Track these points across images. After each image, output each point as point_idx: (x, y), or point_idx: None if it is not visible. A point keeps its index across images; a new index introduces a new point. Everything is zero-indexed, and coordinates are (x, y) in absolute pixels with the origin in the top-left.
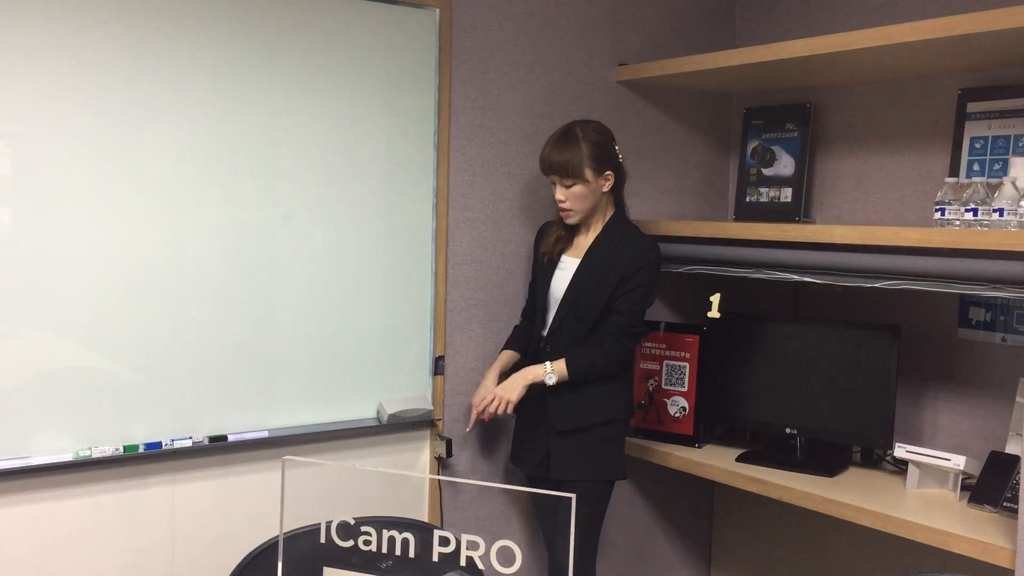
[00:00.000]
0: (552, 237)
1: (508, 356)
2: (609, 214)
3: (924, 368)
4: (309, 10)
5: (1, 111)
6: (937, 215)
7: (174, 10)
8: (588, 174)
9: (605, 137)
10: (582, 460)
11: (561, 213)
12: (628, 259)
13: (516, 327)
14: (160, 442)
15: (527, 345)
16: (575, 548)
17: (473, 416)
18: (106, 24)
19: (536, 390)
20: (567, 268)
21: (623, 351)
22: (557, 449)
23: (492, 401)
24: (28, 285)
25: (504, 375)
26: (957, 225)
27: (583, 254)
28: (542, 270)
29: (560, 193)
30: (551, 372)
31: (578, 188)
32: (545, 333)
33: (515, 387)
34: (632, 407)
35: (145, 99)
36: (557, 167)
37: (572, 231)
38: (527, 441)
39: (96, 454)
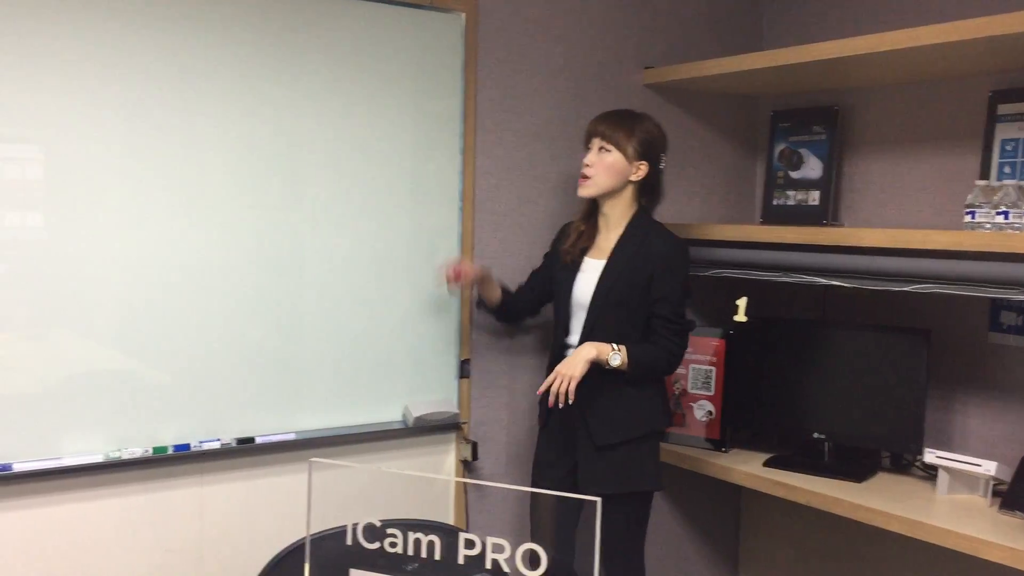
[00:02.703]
0: (573, 235)
1: (492, 275)
2: (631, 212)
3: (955, 372)
4: (336, 15)
5: (33, 117)
6: (967, 218)
7: (203, 16)
8: (629, 150)
9: (660, 135)
10: (618, 473)
11: (580, 180)
12: (657, 257)
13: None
14: (189, 444)
15: (512, 299)
16: (624, 564)
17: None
18: (136, 30)
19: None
20: (590, 271)
21: (679, 351)
22: (590, 463)
23: (556, 381)
24: (59, 288)
25: (483, 286)
26: (988, 228)
27: (607, 255)
28: (562, 273)
29: (591, 157)
30: (616, 353)
31: (611, 158)
32: (575, 340)
33: (578, 364)
34: (669, 415)
35: (174, 104)
36: (603, 130)
37: (593, 232)
38: (551, 454)
39: (126, 455)
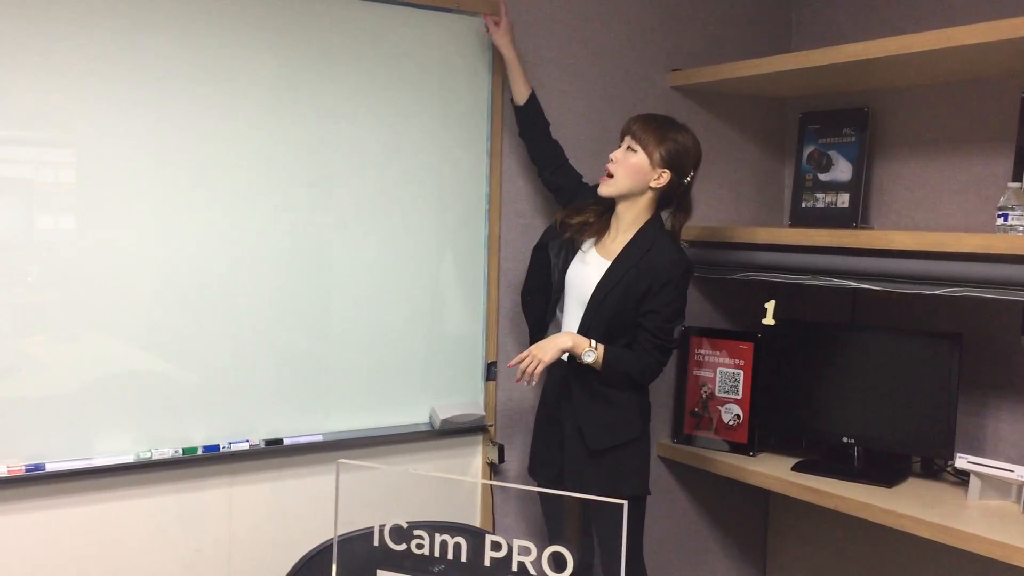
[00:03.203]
0: (579, 217)
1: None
2: (644, 219)
3: (986, 377)
4: (364, 18)
5: (66, 121)
6: (1000, 221)
7: (233, 21)
8: (655, 155)
9: (693, 149)
10: (606, 478)
11: (602, 178)
12: (658, 269)
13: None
14: (218, 444)
15: (541, 121)
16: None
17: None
18: (166, 34)
19: (557, 399)
20: (593, 264)
21: (657, 366)
22: (578, 467)
23: (526, 359)
24: (91, 290)
25: None
26: (1020, 231)
27: (613, 257)
28: (560, 251)
29: (618, 153)
30: (590, 351)
31: (636, 159)
32: (564, 327)
33: (550, 349)
34: (648, 421)
35: (205, 107)
36: (636, 129)
37: (603, 228)
38: (544, 454)
39: (156, 456)
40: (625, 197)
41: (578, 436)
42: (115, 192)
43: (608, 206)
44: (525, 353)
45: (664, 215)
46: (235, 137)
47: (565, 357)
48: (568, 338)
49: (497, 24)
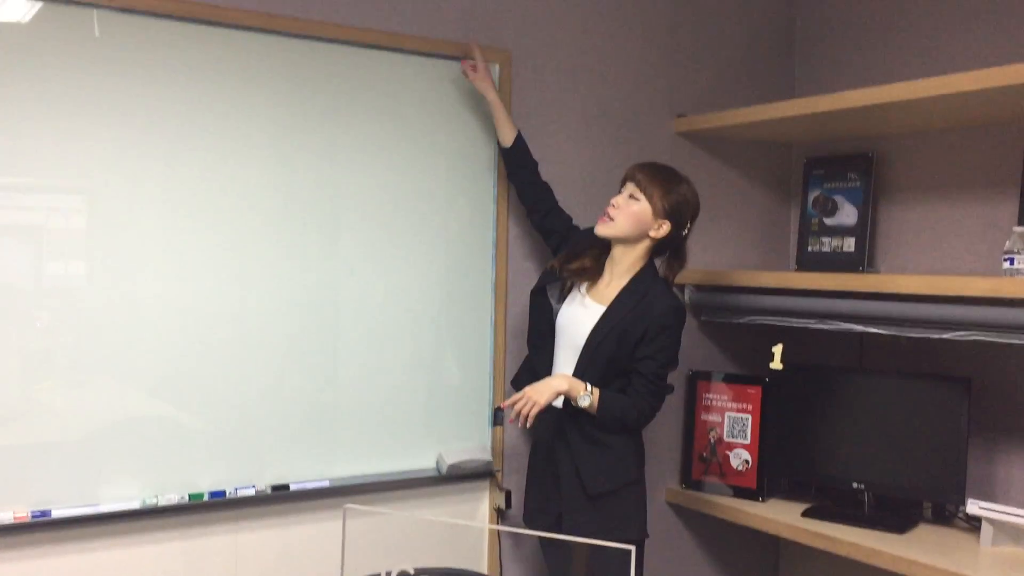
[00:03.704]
0: (577, 263)
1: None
2: (640, 266)
3: (997, 421)
4: (372, 66)
5: (77, 167)
6: (1006, 264)
7: (243, 69)
8: (657, 205)
9: (694, 202)
10: (605, 522)
11: (600, 218)
12: (654, 316)
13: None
14: (224, 491)
15: (528, 163)
16: None
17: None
18: (177, 82)
19: (551, 443)
20: (588, 311)
21: (650, 411)
22: (576, 512)
23: (520, 401)
24: (100, 336)
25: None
26: None
27: (607, 302)
28: (560, 303)
29: (619, 199)
30: (586, 395)
31: (638, 207)
32: (566, 371)
33: (545, 391)
34: (643, 464)
35: (214, 154)
36: (641, 178)
37: (597, 271)
38: (539, 501)
39: (162, 502)
40: (622, 242)
41: (576, 481)
42: (125, 238)
43: (603, 249)
44: (520, 395)
45: (657, 263)
46: (244, 185)
47: (559, 401)
48: (564, 381)
49: (474, 69)
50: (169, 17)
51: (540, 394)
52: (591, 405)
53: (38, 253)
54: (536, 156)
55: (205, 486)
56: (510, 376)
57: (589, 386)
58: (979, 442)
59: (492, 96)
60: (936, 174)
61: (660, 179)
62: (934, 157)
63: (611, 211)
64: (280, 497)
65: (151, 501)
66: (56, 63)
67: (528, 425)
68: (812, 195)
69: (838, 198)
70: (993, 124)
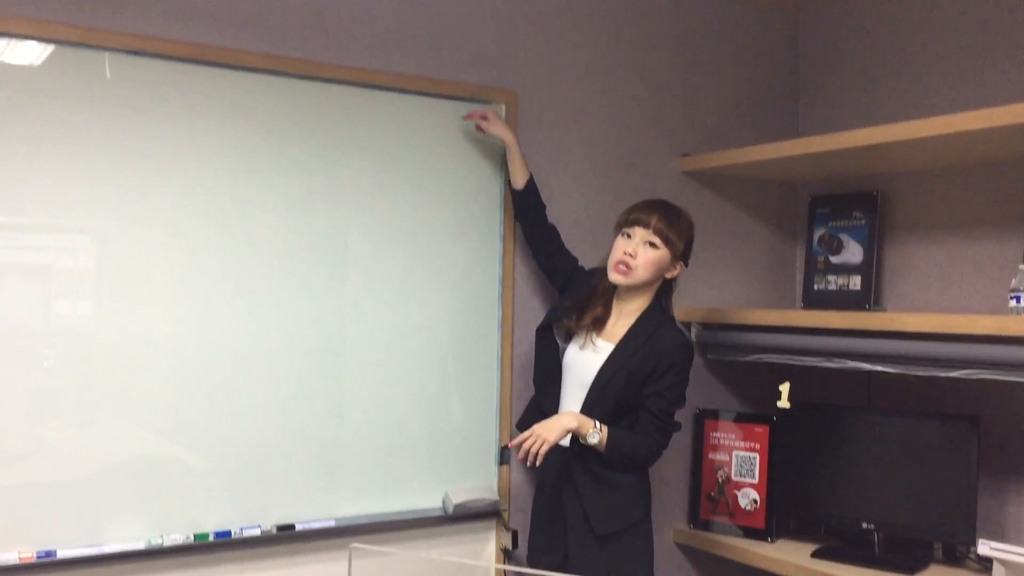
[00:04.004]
0: (589, 316)
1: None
2: (647, 304)
3: (1006, 460)
4: (379, 106)
5: (85, 207)
6: (1012, 302)
7: (251, 110)
8: (677, 250)
9: (693, 233)
10: (613, 563)
11: (618, 267)
12: (663, 353)
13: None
14: (230, 531)
15: (539, 211)
16: None
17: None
18: (187, 123)
19: (557, 483)
20: (599, 347)
21: (658, 448)
22: (584, 553)
23: (529, 439)
24: (106, 375)
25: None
26: None
27: (616, 340)
28: (566, 343)
29: (635, 248)
30: (595, 432)
31: (658, 254)
32: (577, 410)
33: (555, 429)
34: (650, 503)
35: (221, 194)
36: (657, 225)
37: (606, 313)
38: (544, 541)
39: (167, 542)
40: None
41: (583, 521)
42: (132, 278)
43: (611, 292)
44: (528, 433)
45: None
46: (252, 224)
47: (566, 440)
48: (573, 418)
49: (484, 118)
50: (179, 59)
51: (550, 431)
52: (600, 442)
53: (46, 293)
54: (541, 195)
55: (210, 526)
56: (517, 414)
57: (598, 423)
58: (989, 481)
59: (510, 138)
60: (941, 212)
61: (675, 224)
62: (939, 195)
63: (629, 260)
64: (286, 537)
65: (156, 541)
66: (67, 104)
67: (537, 463)
68: (817, 233)
69: (843, 236)
70: (997, 163)
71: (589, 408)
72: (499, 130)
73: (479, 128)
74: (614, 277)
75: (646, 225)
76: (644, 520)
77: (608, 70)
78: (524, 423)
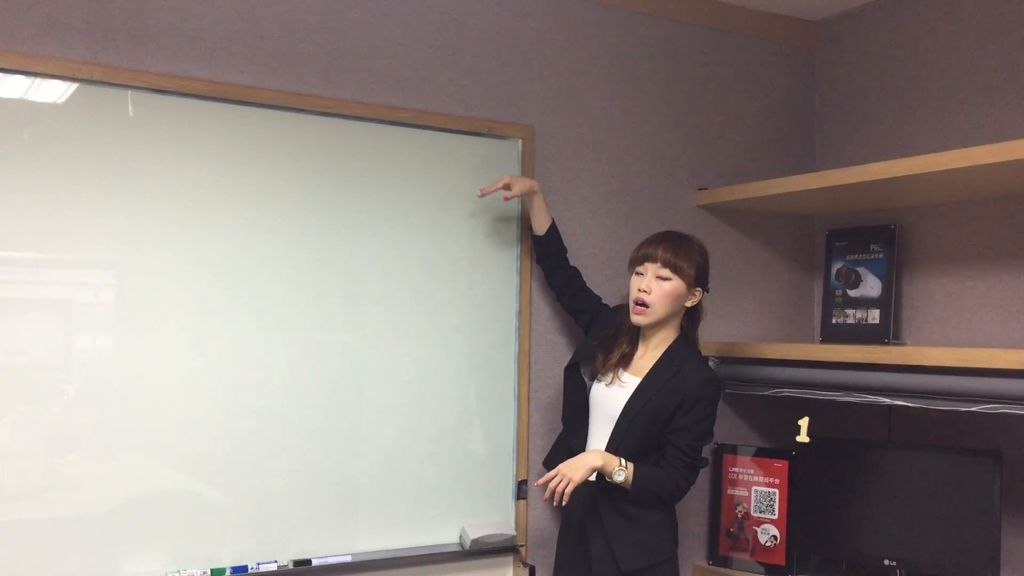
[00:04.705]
0: (616, 354)
1: (540, 198)
2: (672, 337)
3: None
4: (397, 141)
5: (107, 243)
6: None
7: (270, 146)
8: (689, 277)
9: (707, 257)
10: None
11: (636, 307)
12: (689, 389)
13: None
14: (247, 566)
15: (560, 255)
16: None
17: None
18: (207, 160)
19: (583, 519)
20: (625, 381)
21: (685, 484)
22: None
23: (555, 479)
24: (126, 409)
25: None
26: None
27: (642, 374)
28: (587, 370)
29: (648, 284)
30: (621, 470)
31: (671, 286)
32: (599, 444)
33: (580, 468)
34: (677, 540)
35: (241, 229)
36: (665, 257)
37: (632, 349)
38: (567, 574)
39: None
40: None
41: (609, 558)
42: (152, 314)
43: (635, 328)
44: (554, 472)
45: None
46: (272, 261)
47: (592, 476)
48: (598, 456)
49: (508, 187)
50: (201, 97)
51: (575, 471)
52: (626, 480)
53: (67, 327)
54: (558, 229)
55: (227, 561)
56: (534, 449)
57: (623, 461)
58: (1013, 517)
59: (535, 187)
60: (959, 245)
61: (683, 252)
62: (956, 228)
63: (645, 298)
64: (303, 572)
65: None
66: (90, 141)
67: (564, 503)
68: (835, 267)
69: (861, 270)
70: (1015, 196)
71: (616, 443)
72: (524, 187)
73: (506, 198)
74: (635, 319)
75: (654, 259)
76: (671, 558)
77: (624, 105)
78: (551, 461)
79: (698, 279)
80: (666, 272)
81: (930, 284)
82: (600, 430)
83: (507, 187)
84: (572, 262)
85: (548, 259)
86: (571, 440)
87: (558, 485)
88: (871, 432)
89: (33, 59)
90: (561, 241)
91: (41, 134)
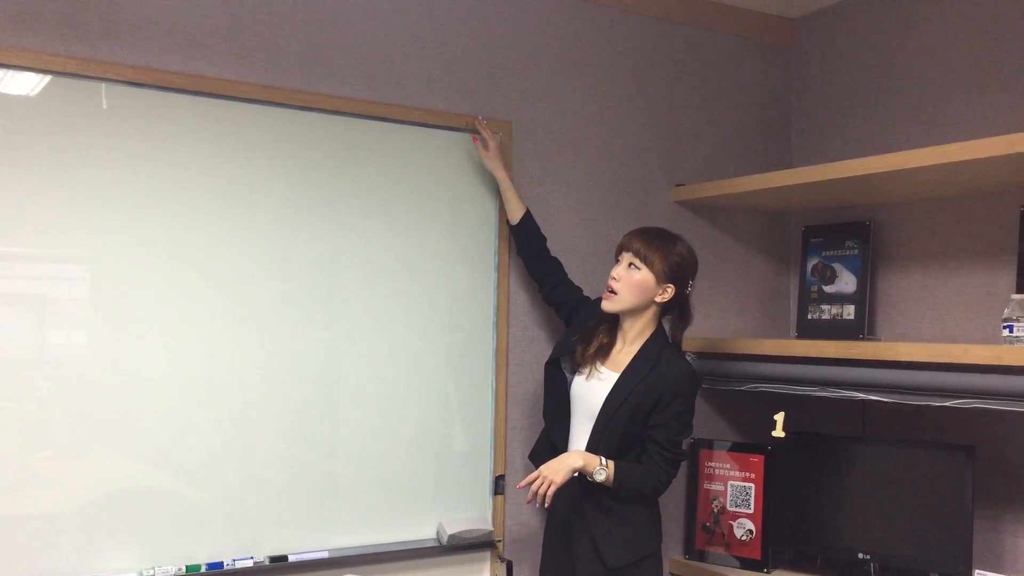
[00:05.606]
0: (595, 344)
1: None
2: (650, 332)
3: (1002, 489)
4: (376, 138)
5: (81, 237)
6: (1005, 332)
7: (247, 140)
8: (658, 270)
9: (692, 260)
10: None
11: (605, 294)
12: (667, 382)
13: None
14: (222, 562)
15: (538, 241)
16: None
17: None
18: (183, 154)
19: (567, 516)
20: (604, 376)
21: (667, 478)
22: None
23: (537, 481)
24: (100, 406)
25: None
26: None
27: (620, 369)
28: (567, 364)
29: (619, 271)
30: (601, 469)
31: (640, 275)
32: (573, 445)
33: (561, 470)
34: (661, 535)
35: (218, 225)
36: (637, 247)
37: (611, 343)
38: (554, 573)
39: (159, 574)
40: (629, 312)
41: (594, 555)
42: (127, 309)
43: (614, 320)
44: (535, 474)
45: (664, 321)
46: (248, 255)
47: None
48: (579, 457)
49: (486, 147)
50: (176, 90)
51: (556, 473)
52: (607, 479)
53: (40, 323)
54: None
55: (203, 557)
56: (512, 444)
57: (604, 460)
58: (985, 511)
59: (501, 174)
60: (934, 242)
61: (657, 244)
62: (931, 225)
63: (614, 285)
64: (279, 568)
65: (148, 573)
66: (63, 135)
67: (546, 505)
68: (811, 263)
69: (837, 266)
70: (989, 192)
71: (596, 439)
72: (492, 165)
73: (475, 140)
74: (604, 304)
75: (628, 249)
76: (655, 553)
77: (602, 101)
78: (536, 456)
79: (670, 275)
80: (636, 261)
81: (904, 280)
82: (581, 426)
83: (486, 144)
84: (556, 259)
85: (526, 249)
86: (553, 435)
87: (540, 487)
88: (846, 427)
89: (5, 51)
90: (539, 231)
91: (13, 127)
